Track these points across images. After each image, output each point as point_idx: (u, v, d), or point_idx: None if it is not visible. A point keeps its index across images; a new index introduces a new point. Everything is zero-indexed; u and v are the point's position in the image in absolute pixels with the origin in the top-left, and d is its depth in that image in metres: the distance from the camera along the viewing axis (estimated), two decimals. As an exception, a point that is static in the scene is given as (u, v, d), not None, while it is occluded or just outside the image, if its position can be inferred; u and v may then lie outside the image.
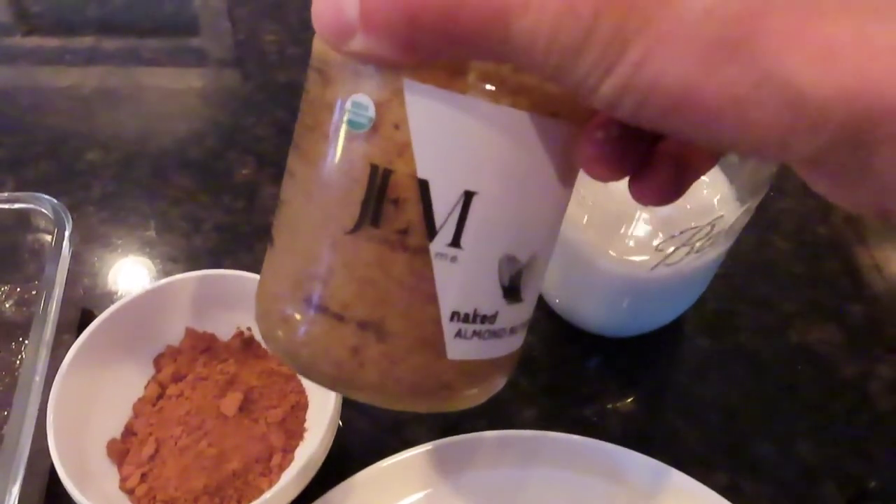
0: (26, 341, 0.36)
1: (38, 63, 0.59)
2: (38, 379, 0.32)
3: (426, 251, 0.20)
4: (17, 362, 0.39)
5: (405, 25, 0.15)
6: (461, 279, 0.21)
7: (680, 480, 0.35)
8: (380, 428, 0.39)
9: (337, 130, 0.20)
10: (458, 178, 0.20)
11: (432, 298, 0.21)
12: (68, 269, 0.37)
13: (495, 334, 0.22)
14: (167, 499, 0.33)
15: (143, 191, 0.50)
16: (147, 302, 0.37)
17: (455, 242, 0.20)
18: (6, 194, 0.39)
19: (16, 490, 0.30)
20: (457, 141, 0.19)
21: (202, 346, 0.38)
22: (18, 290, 0.42)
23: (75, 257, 0.44)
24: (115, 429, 0.36)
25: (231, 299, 0.38)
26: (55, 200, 0.39)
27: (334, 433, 0.33)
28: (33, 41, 0.60)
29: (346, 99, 0.19)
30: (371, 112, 0.19)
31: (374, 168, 0.20)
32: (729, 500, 0.34)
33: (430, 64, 0.17)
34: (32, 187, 0.41)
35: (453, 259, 0.20)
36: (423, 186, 0.20)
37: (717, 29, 0.13)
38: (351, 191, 0.20)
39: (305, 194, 0.21)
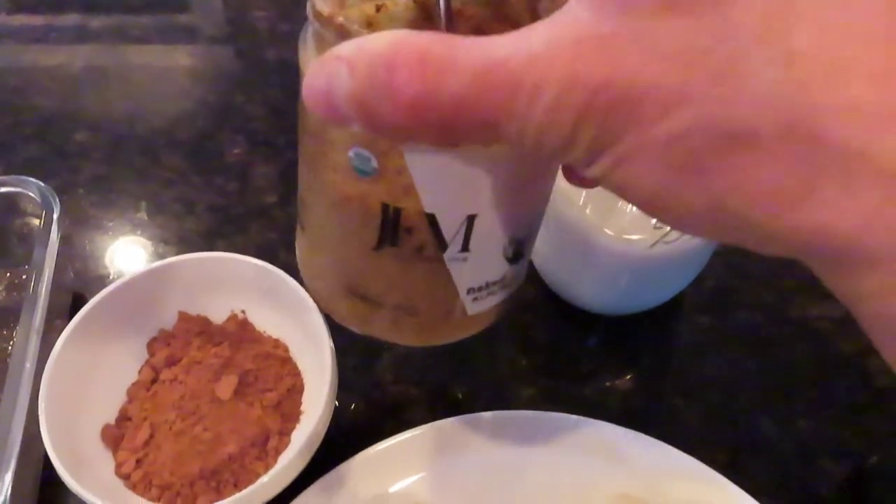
0: (17, 327, 0.35)
1: (23, 42, 0.57)
2: (29, 365, 0.32)
3: (440, 259, 0.23)
4: (8, 349, 0.38)
5: (403, 133, 0.16)
6: (473, 269, 0.24)
7: (680, 459, 0.34)
8: (377, 410, 0.39)
9: (346, 170, 0.21)
10: (460, 208, 0.22)
11: (450, 286, 0.25)
12: (57, 253, 0.37)
13: (504, 286, 0.26)
14: (163, 484, 0.33)
15: (134, 172, 0.49)
16: (139, 285, 0.36)
17: (464, 248, 0.23)
18: (-8, 178, 0.39)
19: (8, 478, 0.30)
20: (456, 180, 0.21)
21: (196, 329, 0.38)
22: (8, 275, 0.41)
23: (65, 241, 0.43)
24: (109, 414, 0.35)
25: (225, 282, 0.37)
26: (42, 183, 0.38)
27: (330, 416, 0.33)
28: (19, 20, 0.59)
29: (349, 147, 0.21)
30: (374, 163, 0.21)
31: (384, 205, 0.22)
32: (729, 478, 0.34)
33: None
34: (21, 170, 0.40)
35: (464, 259, 0.24)
36: (431, 218, 0.22)
37: (677, 158, 0.14)
38: (368, 220, 0.22)
39: (327, 211, 0.24)
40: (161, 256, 0.45)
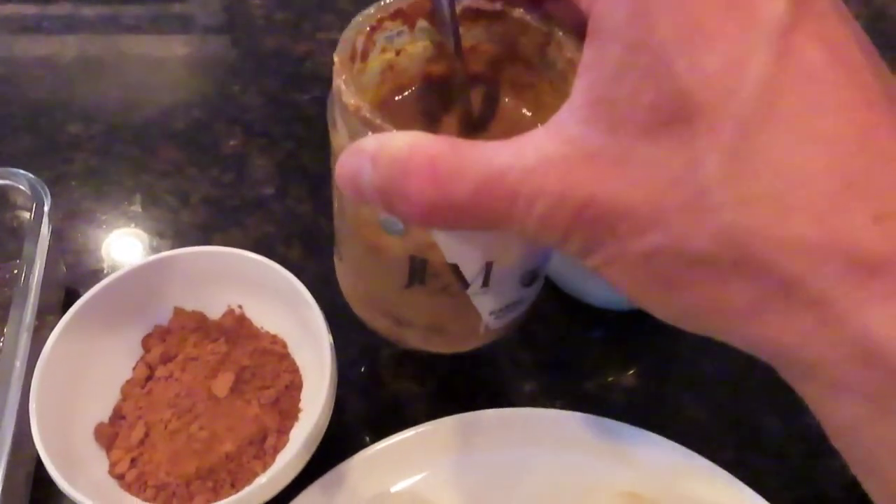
0: (6, 324, 0.34)
1: (14, 31, 0.56)
2: (20, 364, 0.31)
3: (465, 294, 0.26)
4: (-1, 345, 0.37)
5: (418, 223, 0.19)
6: (493, 298, 0.27)
7: (686, 456, 0.34)
8: (377, 408, 0.38)
9: (376, 226, 0.24)
10: (479, 259, 0.25)
11: (474, 311, 0.28)
12: (49, 247, 0.36)
13: (522, 303, 0.29)
14: (158, 484, 0.32)
15: (128, 164, 0.48)
16: (134, 280, 0.35)
17: (485, 285, 0.26)
18: (-20, 171, 0.38)
19: (-1, 479, 0.29)
20: (473, 243, 0.24)
21: (192, 325, 0.37)
22: (-2, 269, 0.40)
23: (58, 234, 0.43)
24: (102, 412, 0.34)
25: (222, 276, 0.37)
26: (32, 175, 0.37)
27: (330, 413, 0.32)
28: (9, 8, 0.57)
29: (378, 212, 0.23)
30: (399, 225, 0.23)
31: (412, 256, 0.25)
32: (735, 475, 0.33)
33: None
34: (11, 162, 0.39)
35: (485, 293, 0.27)
36: (454, 267, 0.25)
37: (648, 271, 0.17)
38: (397, 266, 0.26)
39: (360, 254, 0.28)
40: (156, 250, 0.44)
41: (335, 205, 0.28)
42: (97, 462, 0.33)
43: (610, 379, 0.40)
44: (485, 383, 0.39)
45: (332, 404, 0.32)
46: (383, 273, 0.27)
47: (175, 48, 0.55)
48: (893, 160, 0.15)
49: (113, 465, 0.33)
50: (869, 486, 0.17)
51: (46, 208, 0.36)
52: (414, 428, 0.34)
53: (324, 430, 0.32)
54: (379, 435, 0.34)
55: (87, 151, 0.48)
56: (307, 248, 0.44)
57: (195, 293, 0.37)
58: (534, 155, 0.17)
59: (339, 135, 0.23)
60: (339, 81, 0.21)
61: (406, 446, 0.34)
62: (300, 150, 0.49)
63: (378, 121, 0.20)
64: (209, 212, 0.46)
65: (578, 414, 0.35)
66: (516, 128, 0.26)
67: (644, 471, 0.34)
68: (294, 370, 0.36)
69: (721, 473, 0.33)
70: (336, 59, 0.22)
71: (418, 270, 0.26)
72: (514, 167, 0.17)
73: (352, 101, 0.21)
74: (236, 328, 0.37)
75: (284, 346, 0.37)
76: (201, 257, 0.36)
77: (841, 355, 0.15)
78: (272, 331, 0.37)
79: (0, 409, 0.30)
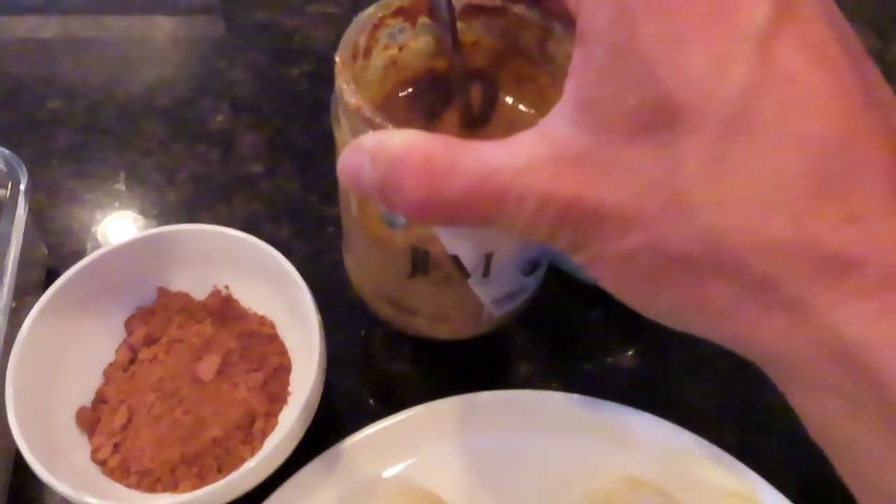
0: (-16, 305, 0.33)
1: (-7, 6, 0.54)
2: (-5, 346, 0.30)
3: (465, 283, 0.27)
4: (-23, 327, 0.36)
5: (415, 218, 0.19)
6: (494, 287, 0.28)
7: (688, 439, 0.33)
8: (368, 390, 0.37)
9: (380, 220, 0.25)
10: (478, 250, 0.26)
11: (476, 300, 0.29)
12: (27, 226, 0.34)
13: (524, 291, 0.30)
14: (142, 470, 0.31)
15: (111, 141, 0.46)
16: (116, 259, 0.34)
17: (485, 275, 0.27)
18: (-50, 147, 0.36)
19: (-26, 466, 0.28)
20: (471, 236, 0.24)
21: (177, 306, 0.36)
22: (-24, 250, 0.39)
23: (39, 214, 0.41)
24: (84, 397, 0.33)
25: (207, 255, 0.35)
26: (7, 151, 0.36)
27: (320, 396, 0.31)
28: (-12, -18, 0.55)
29: (381, 206, 0.23)
30: (401, 219, 0.25)
31: (414, 248, 0.26)
32: (738, 457, 0.32)
33: None
34: (-11, 139, 0.37)
35: (486, 282, 0.27)
36: (454, 258, 0.26)
37: (631, 270, 0.18)
38: (400, 257, 0.27)
39: (365, 245, 0.29)
40: (141, 229, 0.42)
41: (340, 198, 0.29)
42: (78, 448, 0.32)
43: (609, 360, 0.39)
44: (479, 364, 0.38)
45: (322, 386, 0.31)
46: (387, 264, 0.28)
47: (159, 22, 0.54)
48: (869, 163, 0.15)
49: (95, 451, 0.31)
50: (848, 480, 0.18)
51: (23, 186, 0.35)
52: (407, 410, 0.33)
53: (313, 413, 0.31)
54: (371, 418, 0.33)
55: (69, 129, 0.47)
56: (296, 226, 0.43)
57: (180, 273, 0.36)
58: (524, 155, 0.17)
59: (342, 132, 0.24)
60: (341, 81, 0.22)
61: (399, 429, 0.33)
62: (289, 127, 0.47)
63: (378, 119, 0.21)
64: (195, 189, 0.44)
65: (578, 396, 0.34)
66: (516, 122, 0.27)
67: (646, 455, 0.33)
68: (283, 352, 0.35)
69: (724, 456, 0.32)
70: (338, 59, 0.23)
71: (420, 262, 0.27)
72: (505, 167, 0.17)
73: (353, 101, 0.22)
74: (223, 309, 0.36)
75: (273, 327, 0.35)
76: (186, 236, 0.35)
77: (815, 354, 0.16)
78: (260, 312, 0.36)
79: (-26, 394, 0.29)
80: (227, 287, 0.36)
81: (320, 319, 0.32)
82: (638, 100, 0.16)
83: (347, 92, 0.22)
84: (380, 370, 0.38)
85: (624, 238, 0.17)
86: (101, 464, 0.31)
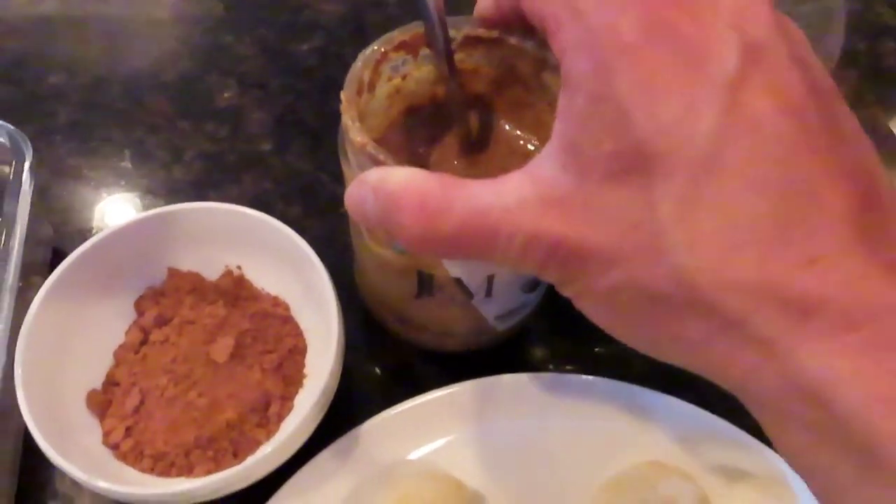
0: (-11, 285, 0.32)
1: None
2: (3, 327, 0.29)
3: (469, 303, 0.30)
4: (-18, 308, 0.35)
5: (414, 250, 0.20)
6: (497, 304, 0.31)
7: (712, 422, 0.32)
8: (385, 373, 0.36)
9: (385, 245, 0.28)
10: (481, 272, 0.28)
11: (480, 317, 0.31)
12: (32, 203, 0.33)
13: (525, 307, 0.33)
14: (155, 453, 0.30)
15: (116, 118, 0.45)
16: (124, 238, 0.33)
17: (488, 295, 0.29)
18: (-48, 121, 0.35)
19: (-17, 450, 0.27)
20: (473, 261, 0.24)
21: (188, 286, 0.35)
22: (-22, 229, 0.37)
23: (43, 192, 0.40)
24: (94, 379, 0.32)
25: (219, 234, 0.34)
26: (11, 126, 0.35)
27: (338, 379, 0.30)
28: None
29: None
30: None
31: (419, 272, 0.28)
32: (761, 440, 0.31)
33: None
34: (-11, 115, 0.36)
35: (489, 301, 0.30)
36: (458, 280, 0.28)
37: (613, 305, 0.19)
38: (407, 279, 0.29)
39: (374, 267, 0.31)
40: (148, 208, 0.41)
41: (350, 222, 0.31)
42: (90, 431, 0.31)
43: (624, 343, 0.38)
44: (493, 348, 0.37)
45: (341, 368, 0.30)
46: (395, 285, 0.30)
47: (163, -5, 0.52)
48: (828, 206, 0.16)
49: (107, 435, 0.31)
50: (821, 502, 0.18)
51: (28, 163, 0.34)
52: (426, 394, 0.32)
53: (332, 396, 0.30)
54: (387, 402, 0.32)
55: (72, 105, 0.45)
56: (308, 206, 0.42)
57: (191, 253, 0.35)
58: (513, 196, 0.18)
59: (349, 166, 0.25)
60: (347, 118, 0.24)
61: (418, 413, 0.32)
62: (299, 104, 0.46)
63: (381, 156, 0.23)
64: (204, 168, 0.43)
65: (599, 379, 0.33)
66: (514, 147, 0.29)
67: (670, 438, 0.32)
68: (297, 334, 0.34)
69: (750, 440, 0.31)
70: (343, 96, 0.24)
71: (426, 283, 0.29)
72: (494, 206, 0.18)
73: (358, 139, 0.23)
74: (235, 290, 0.35)
75: (287, 308, 0.34)
76: (197, 214, 0.34)
77: (782, 389, 0.17)
78: (273, 292, 0.35)
79: (-18, 376, 0.28)
80: (239, 267, 0.35)
81: (338, 300, 0.31)
82: (615, 145, 0.17)
83: (353, 130, 0.23)
84: (395, 352, 0.37)
85: (605, 276, 0.18)
86: (114, 447, 0.30)
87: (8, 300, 0.30)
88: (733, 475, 0.31)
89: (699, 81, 0.17)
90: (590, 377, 0.33)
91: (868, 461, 0.16)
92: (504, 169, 0.19)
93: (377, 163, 0.23)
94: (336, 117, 0.26)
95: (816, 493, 0.18)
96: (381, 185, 0.20)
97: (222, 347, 0.32)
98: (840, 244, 0.16)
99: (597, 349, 0.38)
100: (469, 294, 0.29)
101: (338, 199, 0.41)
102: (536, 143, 0.28)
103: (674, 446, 0.32)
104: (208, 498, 0.28)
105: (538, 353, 0.38)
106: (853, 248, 0.16)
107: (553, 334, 0.38)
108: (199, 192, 0.42)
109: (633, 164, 0.17)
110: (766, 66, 0.17)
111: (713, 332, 0.17)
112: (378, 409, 0.32)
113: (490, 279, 0.28)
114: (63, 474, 0.32)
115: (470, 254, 0.19)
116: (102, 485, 0.27)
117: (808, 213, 0.16)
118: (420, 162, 0.28)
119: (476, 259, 0.20)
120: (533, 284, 0.30)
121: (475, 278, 0.28)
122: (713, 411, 0.32)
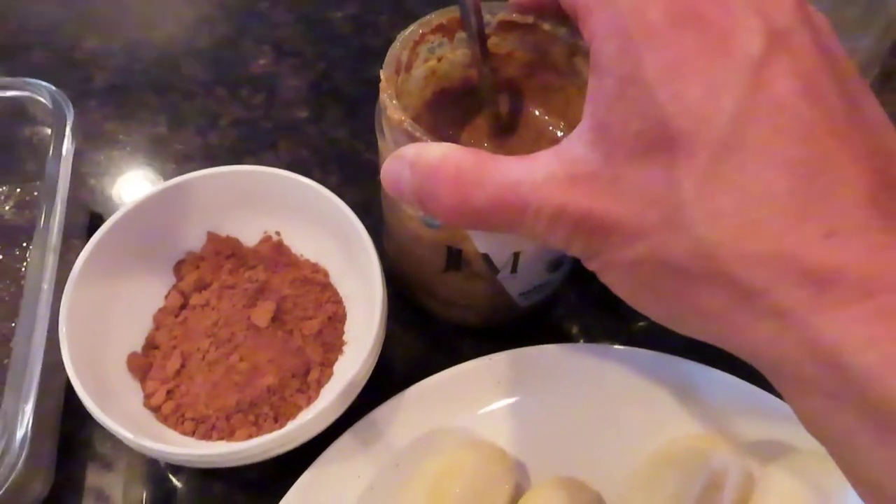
0: (30, 246, 0.32)
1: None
2: (47, 286, 0.29)
3: (494, 279, 0.30)
4: (22, 269, 0.35)
5: (448, 222, 0.21)
6: (521, 281, 0.31)
7: (755, 394, 0.31)
8: (423, 342, 0.36)
9: (418, 220, 0.29)
10: (508, 248, 0.29)
11: (505, 293, 0.32)
12: (72, 166, 0.33)
13: (549, 284, 0.33)
14: (197, 416, 0.30)
15: (151, 83, 0.45)
16: (162, 203, 0.33)
17: (513, 271, 0.30)
18: (-5, 80, 0.35)
19: (29, 409, 0.27)
20: (500, 236, 0.26)
21: (226, 251, 0.34)
22: (18, 190, 0.37)
23: (79, 156, 0.40)
24: (135, 342, 0.32)
25: (256, 200, 0.34)
26: (53, 87, 0.34)
27: (381, 346, 0.30)
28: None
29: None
30: (437, 222, 0.27)
31: (448, 247, 0.29)
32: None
33: None
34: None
35: (514, 277, 0.31)
36: (485, 256, 0.29)
37: (636, 277, 0.19)
38: (436, 253, 0.30)
39: (405, 240, 0.32)
40: (185, 174, 0.41)
41: (383, 196, 0.32)
42: (131, 393, 0.31)
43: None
44: (526, 324, 0.36)
45: (384, 336, 0.30)
46: (424, 259, 0.31)
47: (196, -39, 0.51)
48: (847, 183, 0.17)
49: (148, 397, 0.31)
50: (840, 468, 0.19)
51: (69, 124, 0.34)
52: (472, 361, 0.32)
53: (374, 363, 0.30)
54: (425, 371, 0.32)
55: (108, 69, 0.45)
56: (345, 173, 0.41)
57: (229, 217, 0.35)
58: (542, 171, 0.19)
59: (385, 141, 0.26)
60: (385, 97, 0.25)
61: (461, 381, 0.31)
62: (334, 72, 0.46)
63: (418, 133, 0.24)
64: (240, 134, 0.43)
65: (643, 350, 0.33)
66: (542, 131, 0.29)
67: (712, 411, 0.31)
68: (337, 300, 0.33)
69: (791, 412, 0.31)
70: (382, 75, 0.25)
71: (454, 258, 0.29)
72: (525, 181, 0.19)
73: (395, 116, 0.24)
74: (274, 256, 0.34)
75: (326, 275, 0.34)
76: (235, 178, 0.33)
77: (799, 357, 0.17)
78: (312, 259, 0.35)
79: (28, 334, 0.28)
80: (278, 233, 0.35)
81: (381, 267, 0.30)
82: (642, 125, 0.18)
83: (391, 107, 0.24)
84: (433, 322, 0.36)
85: (629, 249, 0.19)
86: (155, 410, 0.30)
87: (52, 259, 0.30)
88: (777, 449, 0.31)
89: (724, 65, 0.17)
90: (632, 348, 0.33)
91: (884, 424, 0.16)
92: (531, 153, 0.20)
93: (413, 139, 0.23)
94: (371, 85, 0.26)
95: (835, 458, 0.18)
96: (418, 159, 0.21)
97: (263, 312, 0.31)
98: (858, 218, 0.17)
99: (634, 324, 0.37)
100: (495, 270, 0.29)
101: (374, 169, 0.41)
102: (564, 129, 0.29)
103: (716, 418, 0.31)
104: (250, 462, 0.28)
105: (574, 328, 0.37)
106: (870, 222, 0.17)
107: (587, 309, 0.37)
108: (236, 158, 0.42)
109: (658, 142, 0.17)
110: (790, 51, 0.17)
111: (733, 302, 0.18)
112: (415, 378, 0.32)
113: (516, 256, 0.29)
114: (102, 436, 0.32)
115: (500, 226, 0.20)
116: (148, 444, 0.27)
117: (827, 190, 0.17)
118: (450, 142, 0.28)
119: (506, 231, 0.20)
120: (556, 264, 0.31)
121: (502, 254, 0.29)
122: (755, 383, 0.32)
